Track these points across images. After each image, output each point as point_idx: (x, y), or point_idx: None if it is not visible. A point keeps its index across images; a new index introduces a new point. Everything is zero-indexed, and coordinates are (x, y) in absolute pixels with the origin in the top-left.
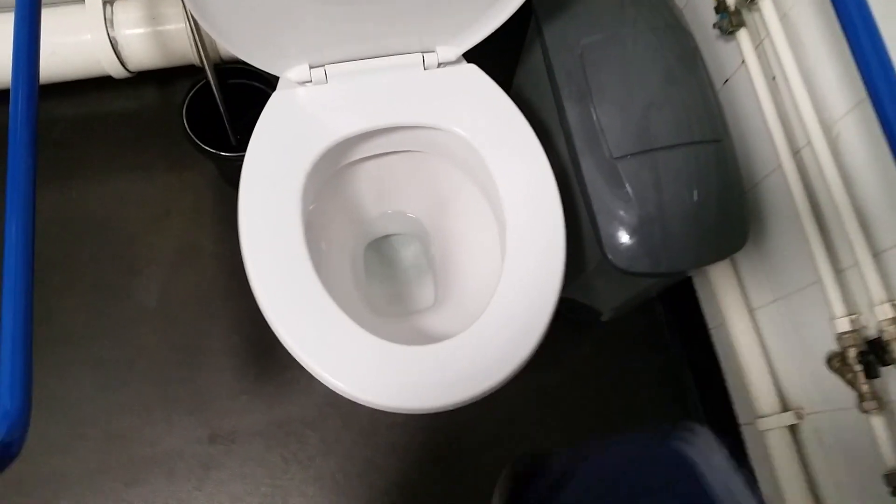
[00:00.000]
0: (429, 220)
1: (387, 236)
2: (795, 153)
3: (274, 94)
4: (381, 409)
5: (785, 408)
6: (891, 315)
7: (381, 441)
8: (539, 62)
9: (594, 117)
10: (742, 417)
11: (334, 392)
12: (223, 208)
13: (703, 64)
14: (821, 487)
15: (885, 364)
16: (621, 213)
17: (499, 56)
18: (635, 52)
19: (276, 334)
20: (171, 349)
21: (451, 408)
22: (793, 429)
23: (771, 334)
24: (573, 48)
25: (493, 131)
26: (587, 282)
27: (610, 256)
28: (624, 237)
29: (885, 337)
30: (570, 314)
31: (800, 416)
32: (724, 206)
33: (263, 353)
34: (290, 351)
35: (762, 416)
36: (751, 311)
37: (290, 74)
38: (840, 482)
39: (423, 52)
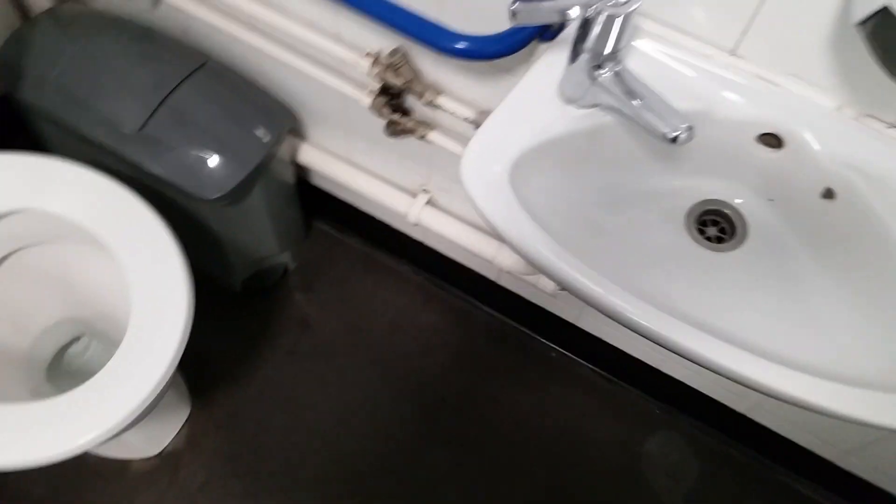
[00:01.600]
0: (78, 310)
1: (59, 353)
2: (249, 27)
3: None
4: None
5: (414, 195)
6: (369, 63)
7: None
8: (39, 120)
9: (102, 114)
10: (405, 228)
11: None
12: None
13: (152, 28)
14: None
15: (399, 96)
16: (182, 160)
17: None
18: (97, 49)
19: None
20: None
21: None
22: (432, 203)
23: (369, 161)
24: (45, 87)
25: (32, 183)
26: (237, 246)
27: (209, 196)
28: (202, 174)
29: (381, 77)
30: (265, 284)
31: (427, 192)
32: (251, 99)
33: None
34: None
35: (406, 215)
36: (350, 162)
37: None
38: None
39: None
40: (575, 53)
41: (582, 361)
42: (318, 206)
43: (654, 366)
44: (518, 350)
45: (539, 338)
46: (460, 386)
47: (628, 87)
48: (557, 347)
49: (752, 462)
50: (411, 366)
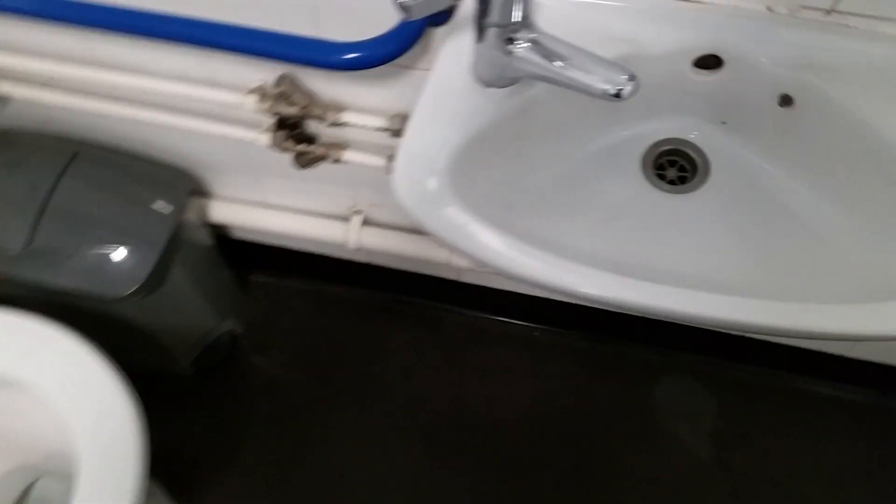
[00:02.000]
0: (23, 457)
1: None
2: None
3: None
4: None
5: (346, 219)
6: (255, 99)
7: None
8: None
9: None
10: (347, 255)
11: None
12: None
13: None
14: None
15: (298, 125)
16: (84, 264)
17: None
18: None
19: None
20: None
21: None
22: (368, 222)
23: (288, 198)
24: None
25: None
26: (172, 330)
27: (124, 293)
28: (110, 271)
29: (272, 110)
30: (217, 357)
31: (360, 212)
32: (140, 174)
33: None
34: None
35: (345, 243)
36: (267, 206)
37: None
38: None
39: None
40: (481, 31)
41: (567, 332)
42: (248, 260)
43: (639, 315)
44: (501, 340)
45: (518, 322)
46: (453, 396)
47: (551, 52)
48: (539, 325)
49: (765, 379)
50: (398, 392)
